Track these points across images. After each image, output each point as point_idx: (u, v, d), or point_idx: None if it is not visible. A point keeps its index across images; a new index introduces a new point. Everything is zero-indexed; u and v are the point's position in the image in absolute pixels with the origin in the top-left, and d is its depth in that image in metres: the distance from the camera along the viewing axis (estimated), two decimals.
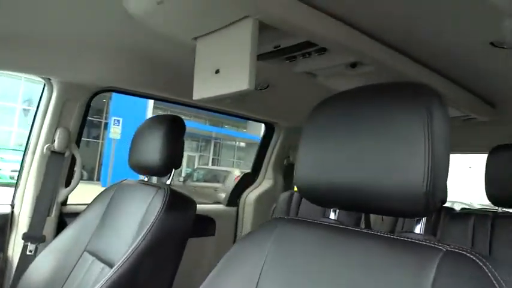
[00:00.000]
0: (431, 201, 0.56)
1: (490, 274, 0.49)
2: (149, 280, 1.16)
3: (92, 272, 1.28)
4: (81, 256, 1.36)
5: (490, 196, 1.27)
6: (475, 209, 1.40)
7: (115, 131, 11.34)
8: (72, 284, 1.31)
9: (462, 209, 1.84)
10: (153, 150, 1.29)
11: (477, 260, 0.51)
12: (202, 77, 1.12)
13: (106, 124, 14.11)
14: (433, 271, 0.53)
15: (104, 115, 14.58)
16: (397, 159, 0.58)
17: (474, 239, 1.25)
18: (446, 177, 0.58)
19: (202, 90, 1.12)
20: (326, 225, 0.71)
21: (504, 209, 1.31)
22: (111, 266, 1.21)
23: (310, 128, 0.72)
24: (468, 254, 0.52)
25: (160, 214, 1.16)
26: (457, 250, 0.54)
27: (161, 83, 1.64)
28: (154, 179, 1.49)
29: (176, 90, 1.70)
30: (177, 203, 1.23)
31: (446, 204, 1.55)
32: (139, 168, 1.39)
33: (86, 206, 1.52)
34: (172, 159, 1.30)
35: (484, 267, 0.50)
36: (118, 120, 11.39)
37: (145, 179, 1.45)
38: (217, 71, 1.05)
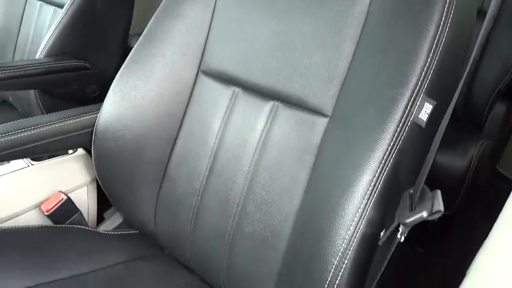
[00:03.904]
0: None
1: None
2: (108, 16, 1.14)
3: (44, 16, 1.24)
4: (25, 4, 1.28)
5: None
6: None
7: None
8: (28, 32, 1.28)
9: None
10: None
11: None
12: None
13: None
14: None
15: None
16: None
17: None
18: None
19: None
20: None
21: None
22: (62, 6, 1.17)
23: None
24: None
25: None
26: None
27: None
28: None
29: None
30: None
31: None
32: None
33: None
34: None
35: None
36: None
37: None
38: None
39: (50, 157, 0.87)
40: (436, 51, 0.50)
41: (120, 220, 0.92)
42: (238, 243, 0.67)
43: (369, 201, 0.49)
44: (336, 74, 0.60)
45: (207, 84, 0.76)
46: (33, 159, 0.85)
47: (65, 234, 0.80)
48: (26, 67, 0.98)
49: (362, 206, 0.49)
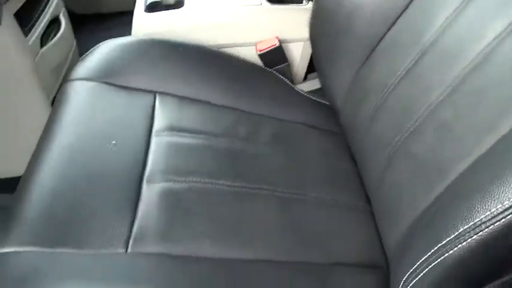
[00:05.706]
0: None
1: None
2: None
3: None
4: None
5: None
6: None
7: None
8: None
9: None
10: None
11: None
12: None
13: None
14: None
15: None
16: None
17: None
18: None
19: None
20: None
21: None
22: None
23: None
24: None
25: None
26: None
27: None
28: None
29: None
30: None
31: None
32: None
33: None
34: None
35: None
36: None
37: None
38: None
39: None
40: None
41: (319, 86, 0.92)
42: (399, 160, 0.58)
43: None
44: None
45: None
46: (269, 1, 0.89)
47: (263, 77, 0.86)
48: None
49: None
